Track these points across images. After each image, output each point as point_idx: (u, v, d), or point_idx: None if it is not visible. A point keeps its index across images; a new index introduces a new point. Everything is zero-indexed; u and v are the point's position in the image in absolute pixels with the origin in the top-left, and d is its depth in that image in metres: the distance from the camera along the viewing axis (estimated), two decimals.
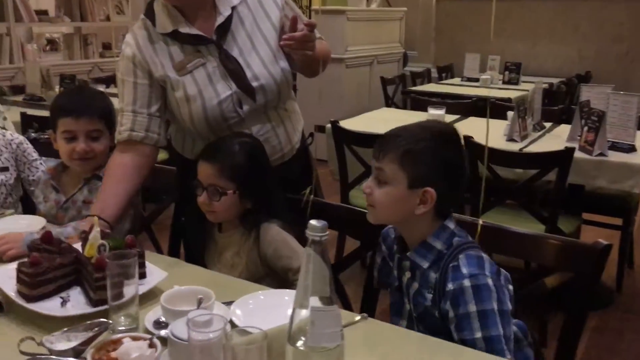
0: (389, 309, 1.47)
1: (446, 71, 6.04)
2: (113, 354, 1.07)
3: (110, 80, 4.70)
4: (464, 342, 1.22)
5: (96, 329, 1.16)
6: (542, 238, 1.54)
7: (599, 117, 2.75)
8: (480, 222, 1.51)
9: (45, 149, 2.25)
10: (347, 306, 1.71)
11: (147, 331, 1.21)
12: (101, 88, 3.98)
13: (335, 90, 5.39)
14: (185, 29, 1.70)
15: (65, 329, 1.16)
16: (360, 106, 5.07)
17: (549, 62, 6.35)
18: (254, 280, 1.55)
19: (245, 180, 1.62)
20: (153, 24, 1.73)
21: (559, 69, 6.19)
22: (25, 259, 1.36)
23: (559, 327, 1.46)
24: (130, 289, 1.22)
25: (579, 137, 2.88)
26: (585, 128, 2.82)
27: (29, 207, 2.26)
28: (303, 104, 1.97)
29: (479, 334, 1.20)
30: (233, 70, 1.71)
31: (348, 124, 3.23)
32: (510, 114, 3.13)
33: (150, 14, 1.75)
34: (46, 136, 2.51)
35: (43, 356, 1.10)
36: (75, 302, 1.33)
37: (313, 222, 0.90)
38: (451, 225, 1.34)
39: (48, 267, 1.34)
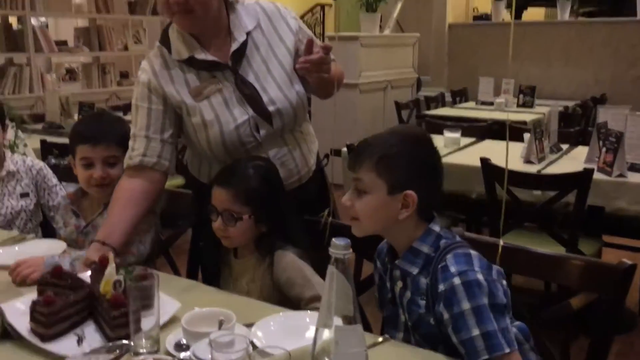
0: (382, 324, 1.45)
1: (460, 95, 6.05)
2: None
3: (128, 108, 4.75)
4: (463, 344, 1.20)
5: (117, 351, 1.15)
6: (565, 258, 1.52)
7: (617, 138, 2.73)
8: (501, 242, 1.50)
9: (65, 174, 2.28)
10: (367, 328, 1.69)
11: (168, 353, 1.21)
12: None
13: (350, 116, 5.41)
14: (201, 55, 1.71)
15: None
16: (374, 131, 4.93)
17: (564, 85, 6.35)
18: None
19: (260, 204, 1.61)
20: (169, 51, 1.75)
21: (574, 92, 6.18)
22: (39, 297, 1.33)
23: (581, 350, 1.43)
24: (150, 313, 1.21)
25: (597, 159, 2.86)
26: (604, 149, 2.80)
27: (48, 232, 2.28)
28: (318, 129, 1.97)
29: (476, 332, 1.19)
30: (249, 95, 1.72)
31: None
32: (527, 136, 3.12)
33: (165, 41, 1.77)
34: (66, 162, 2.54)
35: None
36: (91, 340, 1.30)
37: (336, 240, 0.90)
38: (436, 228, 1.34)
39: (63, 306, 1.30)
